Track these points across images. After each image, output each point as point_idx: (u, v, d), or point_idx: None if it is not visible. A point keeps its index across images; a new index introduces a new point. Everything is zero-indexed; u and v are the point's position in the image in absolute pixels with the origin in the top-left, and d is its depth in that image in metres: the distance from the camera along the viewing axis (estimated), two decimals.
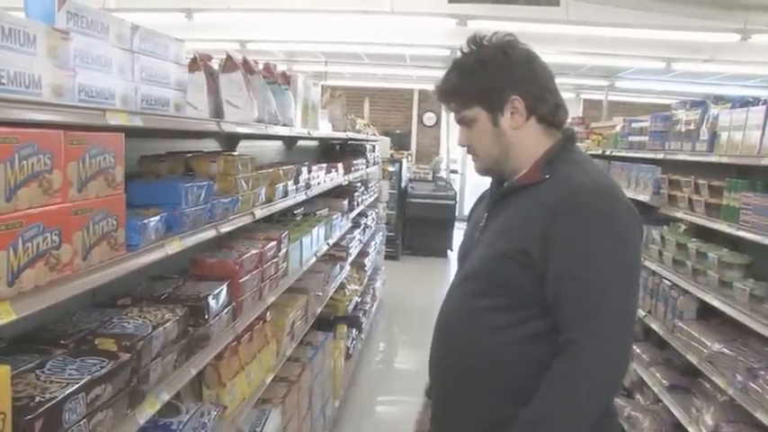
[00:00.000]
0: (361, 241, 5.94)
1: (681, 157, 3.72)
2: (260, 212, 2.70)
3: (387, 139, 10.90)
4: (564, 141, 1.77)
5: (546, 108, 1.74)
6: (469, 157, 1.89)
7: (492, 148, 1.77)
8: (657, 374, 3.83)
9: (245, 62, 2.68)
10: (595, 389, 1.58)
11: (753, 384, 2.74)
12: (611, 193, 1.66)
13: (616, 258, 1.59)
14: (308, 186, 3.65)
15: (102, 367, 1.50)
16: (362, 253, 6.19)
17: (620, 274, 1.60)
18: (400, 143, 13.71)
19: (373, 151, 7.31)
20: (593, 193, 1.62)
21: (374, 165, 7.39)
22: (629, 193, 4.39)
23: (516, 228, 1.68)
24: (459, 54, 1.79)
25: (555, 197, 1.63)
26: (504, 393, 1.69)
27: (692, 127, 3.63)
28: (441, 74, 1.84)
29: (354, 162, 5.68)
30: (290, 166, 3.32)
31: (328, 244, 4.26)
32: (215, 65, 2.55)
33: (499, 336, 1.69)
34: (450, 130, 14.34)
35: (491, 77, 1.72)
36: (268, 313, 3.02)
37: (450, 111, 1.82)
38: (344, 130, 5.32)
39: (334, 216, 4.56)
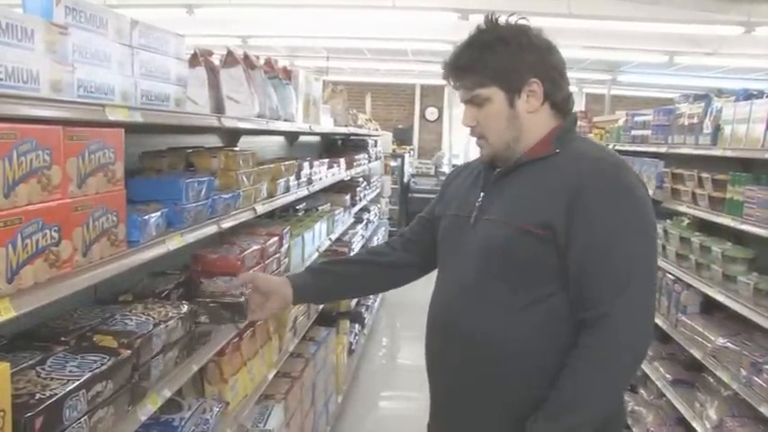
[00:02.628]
0: (363, 236, 5.94)
1: (684, 150, 3.70)
2: (261, 208, 2.69)
3: (389, 135, 10.88)
4: (569, 123, 1.77)
5: (561, 95, 1.74)
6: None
7: (505, 132, 1.71)
8: (661, 369, 3.82)
9: (246, 57, 2.67)
10: (634, 361, 1.62)
11: (757, 379, 2.73)
12: (626, 167, 1.68)
13: (640, 231, 1.61)
14: (309, 182, 3.64)
15: (102, 364, 1.49)
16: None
17: (644, 246, 1.62)
18: (402, 138, 13.69)
19: (375, 146, 7.29)
20: (613, 168, 1.63)
21: (376, 160, 7.38)
22: None
23: (536, 202, 1.65)
24: (475, 32, 1.73)
25: (575, 171, 1.62)
26: (530, 375, 1.65)
27: (695, 120, 3.62)
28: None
29: (356, 157, 5.67)
30: (291, 162, 3.31)
31: (330, 239, 4.25)
32: (216, 60, 2.54)
33: (520, 316, 1.65)
34: (452, 124, 14.31)
35: (512, 57, 1.67)
36: None
37: (459, 89, 1.75)
38: (346, 126, 5.31)
39: (337, 211, 4.55)
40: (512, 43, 1.68)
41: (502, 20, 1.73)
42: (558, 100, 1.73)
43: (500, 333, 1.66)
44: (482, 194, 1.77)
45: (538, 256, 1.63)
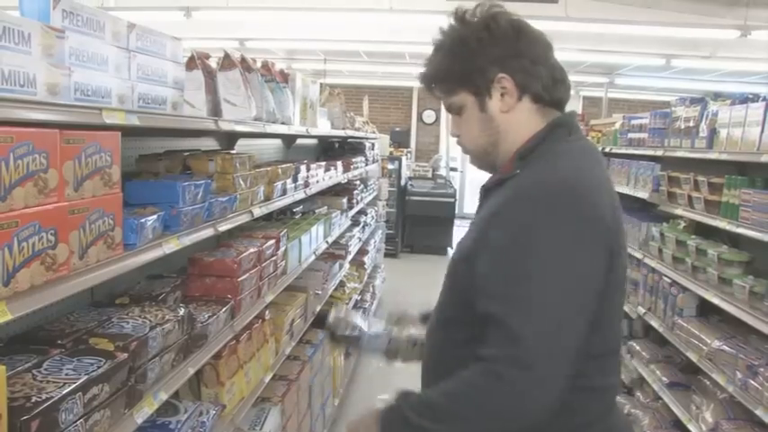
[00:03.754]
0: (360, 239, 5.93)
1: (680, 153, 3.71)
2: (258, 211, 2.69)
3: (386, 137, 10.89)
4: (550, 127, 1.52)
5: (540, 84, 1.51)
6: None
7: (479, 137, 1.56)
8: (657, 372, 3.83)
9: (243, 60, 2.67)
10: (500, 415, 1.34)
11: (752, 381, 2.74)
12: (567, 192, 1.37)
13: (553, 272, 1.33)
14: (306, 184, 3.64)
15: (99, 367, 1.49)
16: (362, 251, 6.18)
17: (556, 291, 1.32)
18: (399, 141, 13.69)
19: (372, 149, 7.29)
20: (540, 194, 1.37)
21: (373, 163, 7.38)
22: (629, 190, 4.38)
23: (468, 235, 1.52)
24: (439, 34, 1.59)
25: (502, 198, 1.44)
26: None
27: (691, 124, 3.63)
28: None
29: (353, 160, 5.67)
30: (288, 165, 3.31)
31: (327, 242, 4.25)
32: (213, 63, 2.54)
33: (454, 350, 1.52)
34: (449, 127, 14.30)
35: (472, 57, 1.51)
36: (267, 312, 3.01)
37: (437, 99, 1.64)
38: (343, 128, 5.31)
39: (334, 214, 4.55)
40: (470, 41, 1.51)
41: (470, 12, 1.55)
42: (538, 90, 1.51)
43: (441, 363, 1.57)
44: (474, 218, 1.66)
45: (466, 291, 1.44)
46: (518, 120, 1.53)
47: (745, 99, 3.29)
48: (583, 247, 1.36)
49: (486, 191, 1.57)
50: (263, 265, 2.75)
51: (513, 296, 1.33)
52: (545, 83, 1.52)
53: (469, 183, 14.18)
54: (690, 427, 3.27)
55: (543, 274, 1.33)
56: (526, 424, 1.33)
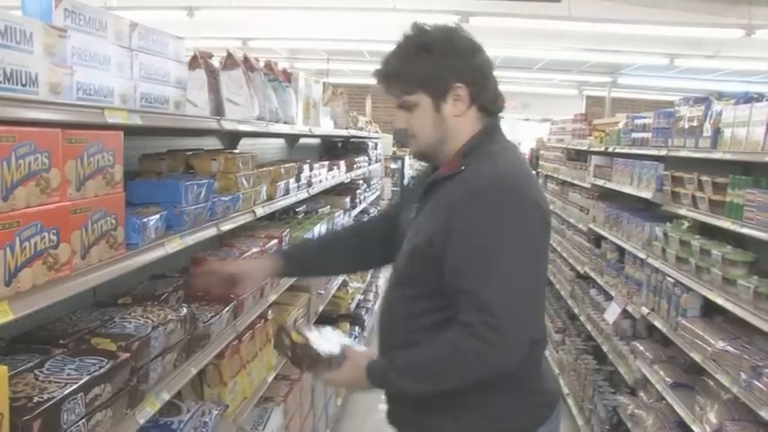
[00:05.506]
0: None
1: (684, 153, 3.69)
2: (261, 210, 2.69)
3: (389, 137, 10.88)
4: (484, 131, 1.79)
5: (487, 97, 1.78)
6: None
7: (432, 134, 1.79)
8: (661, 372, 3.81)
9: (246, 59, 2.67)
10: (485, 369, 1.64)
11: (757, 382, 2.72)
12: (512, 183, 1.67)
13: (512, 249, 1.62)
14: (309, 184, 3.64)
15: (101, 367, 1.49)
16: None
17: (516, 266, 1.62)
18: (403, 140, 13.65)
19: (375, 149, 7.29)
20: (493, 186, 1.64)
21: (376, 162, 7.38)
22: (632, 190, 4.37)
23: (427, 221, 1.73)
24: (402, 39, 1.78)
25: (458, 190, 1.67)
26: None
27: (695, 123, 3.61)
28: None
29: (356, 159, 5.67)
30: (291, 164, 3.31)
31: None
32: (215, 62, 2.54)
33: (415, 321, 1.76)
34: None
35: (436, 64, 1.72)
36: (269, 311, 3.01)
37: (389, 95, 1.82)
38: (346, 128, 5.30)
39: (337, 214, 4.55)
40: (434, 50, 1.72)
41: (430, 25, 1.78)
42: (485, 102, 1.78)
43: (400, 336, 1.80)
44: (416, 206, 1.86)
45: (425, 272, 1.71)
46: (464, 124, 1.78)
47: (749, 98, 3.27)
48: (531, 228, 1.67)
49: (434, 183, 1.78)
50: None
51: (481, 273, 1.60)
52: (491, 96, 1.79)
53: None
54: (694, 427, 3.26)
55: (502, 253, 1.61)
56: (499, 375, 1.67)
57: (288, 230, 3.20)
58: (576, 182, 6.13)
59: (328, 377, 1.80)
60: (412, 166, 12.29)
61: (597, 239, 5.36)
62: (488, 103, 1.79)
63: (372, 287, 6.66)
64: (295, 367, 2.00)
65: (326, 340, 1.84)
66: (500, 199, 1.63)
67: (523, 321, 1.63)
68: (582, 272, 5.68)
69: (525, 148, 9.84)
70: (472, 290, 1.61)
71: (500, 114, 1.87)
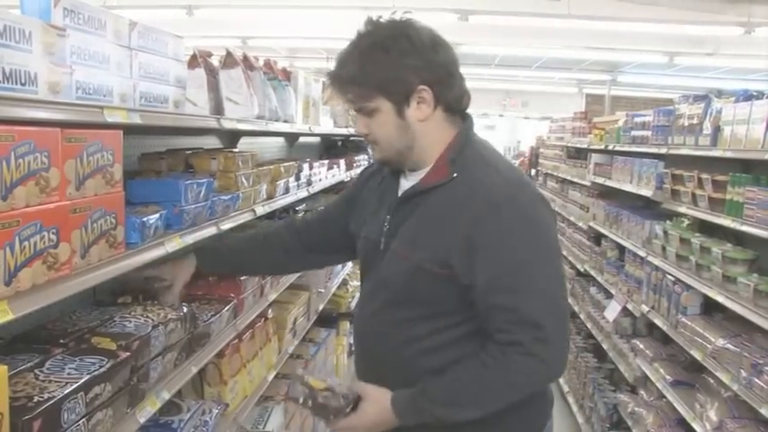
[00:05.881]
0: None
1: (684, 151, 3.69)
2: (261, 209, 2.69)
3: None
4: (466, 132, 1.69)
5: (452, 96, 1.65)
6: None
7: (396, 141, 1.65)
8: (661, 370, 3.82)
9: (245, 58, 2.66)
10: (526, 386, 1.63)
11: (757, 380, 2.73)
12: (523, 189, 1.63)
13: (542, 258, 1.59)
14: (309, 183, 3.64)
15: (101, 366, 1.49)
16: None
17: (548, 274, 1.60)
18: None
19: None
20: (509, 196, 1.58)
21: None
22: (632, 188, 4.37)
23: (434, 238, 1.61)
24: (355, 38, 1.64)
25: (472, 203, 1.57)
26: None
27: (694, 121, 3.61)
28: None
29: (356, 158, 5.66)
30: (291, 163, 3.30)
31: None
32: (215, 61, 2.53)
33: (419, 344, 1.66)
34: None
35: (395, 65, 1.57)
36: (270, 310, 3.01)
37: (346, 101, 1.69)
38: (346, 127, 5.30)
39: None
40: (392, 50, 1.57)
41: (384, 18, 1.63)
42: (451, 101, 1.65)
43: (400, 361, 1.69)
44: (388, 218, 1.73)
45: (438, 291, 1.63)
46: (432, 127, 1.65)
47: (749, 96, 3.28)
48: (550, 232, 1.66)
49: (418, 193, 1.67)
50: None
51: (518, 287, 1.56)
52: (456, 94, 1.66)
53: None
54: (694, 425, 3.26)
55: (534, 263, 1.57)
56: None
57: None
58: (575, 180, 6.14)
59: (351, 422, 1.67)
60: None
61: (597, 237, 5.37)
62: (453, 102, 1.66)
63: None
64: (318, 418, 1.89)
65: (338, 384, 1.74)
66: (520, 208, 1.58)
67: (565, 328, 1.64)
68: (582, 270, 5.68)
69: (525, 147, 9.83)
70: (513, 306, 1.55)
71: (467, 111, 1.75)
